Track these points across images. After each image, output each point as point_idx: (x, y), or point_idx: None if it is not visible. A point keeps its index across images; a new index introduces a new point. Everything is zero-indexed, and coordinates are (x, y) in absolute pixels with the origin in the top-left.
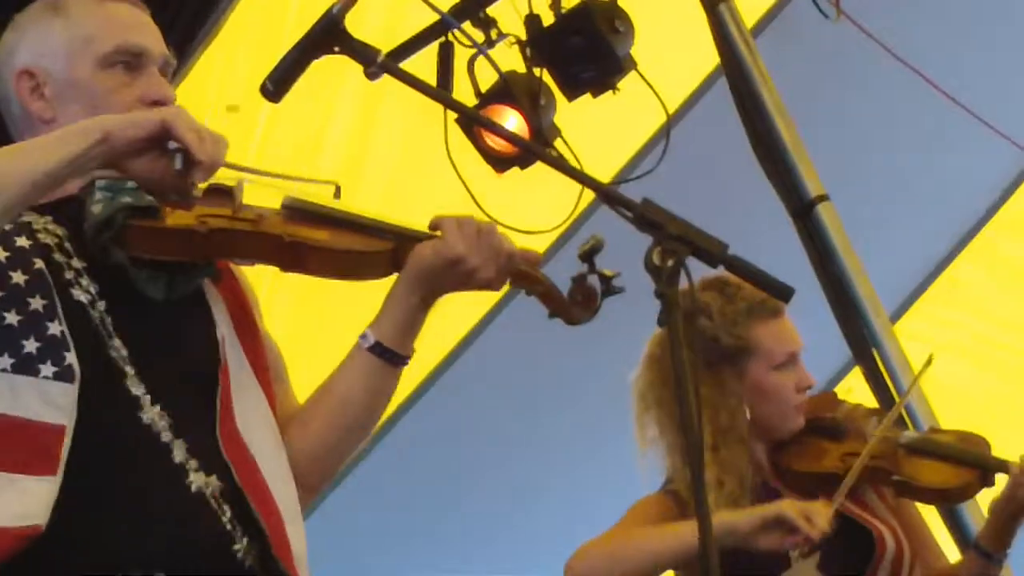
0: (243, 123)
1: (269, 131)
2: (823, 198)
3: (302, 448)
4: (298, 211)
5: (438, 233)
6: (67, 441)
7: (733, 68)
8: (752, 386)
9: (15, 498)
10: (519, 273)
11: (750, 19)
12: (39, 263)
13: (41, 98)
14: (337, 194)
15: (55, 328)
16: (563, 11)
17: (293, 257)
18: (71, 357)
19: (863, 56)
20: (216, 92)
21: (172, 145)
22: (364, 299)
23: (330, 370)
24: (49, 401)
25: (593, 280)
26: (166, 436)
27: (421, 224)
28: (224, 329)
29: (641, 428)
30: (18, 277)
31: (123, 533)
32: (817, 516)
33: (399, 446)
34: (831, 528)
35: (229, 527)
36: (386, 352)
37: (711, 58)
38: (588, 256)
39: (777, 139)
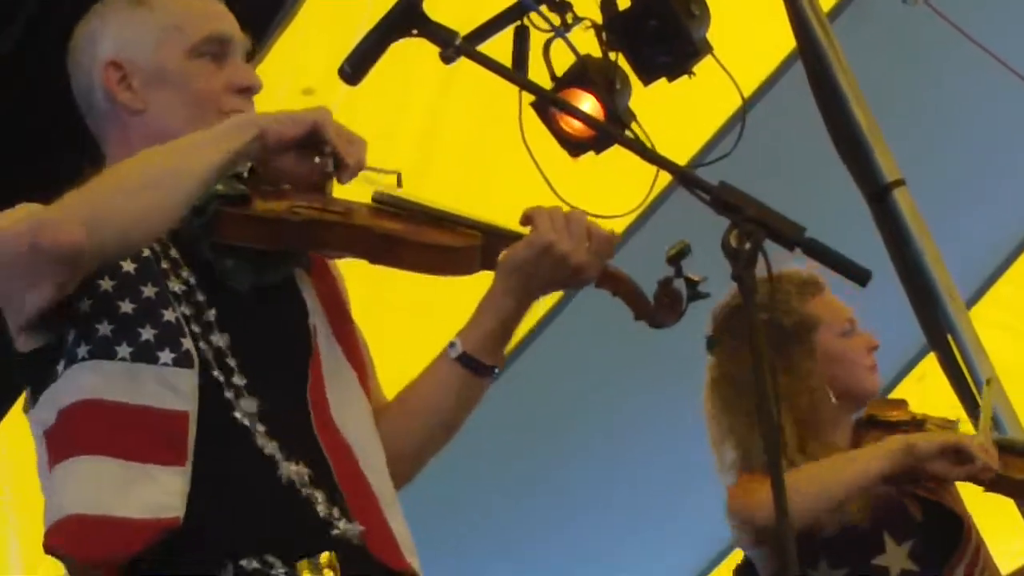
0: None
1: (344, 114)
2: (899, 183)
3: (386, 446)
4: (388, 205)
5: (527, 230)
6: (192, 428)
7: (809, 52)
8: (825, 356)
9: (152, 489)
10: (606, 274)
11: (827, 2)
12: (146, 251)
13: (129, 89)
14: (399, 182)
15: (170, 314)
16: None
17: (382, 250)
18: (188, 343)
19: (941, 40)
20: (292, 75)
21: (327, 149)
22: (431, 282)
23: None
24: (170, 387)
25: (679, 284)
26: (260, 427)
27: (512, 223)
28: (316, 319)
29: (720, 455)
30: (128, 266)
31: (230, 521)
32: (993, 451)
33: None
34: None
35: (325, 514)
36: (473, 363)
37: (787, 42)
38: (675, 260)
39: (853, 124)
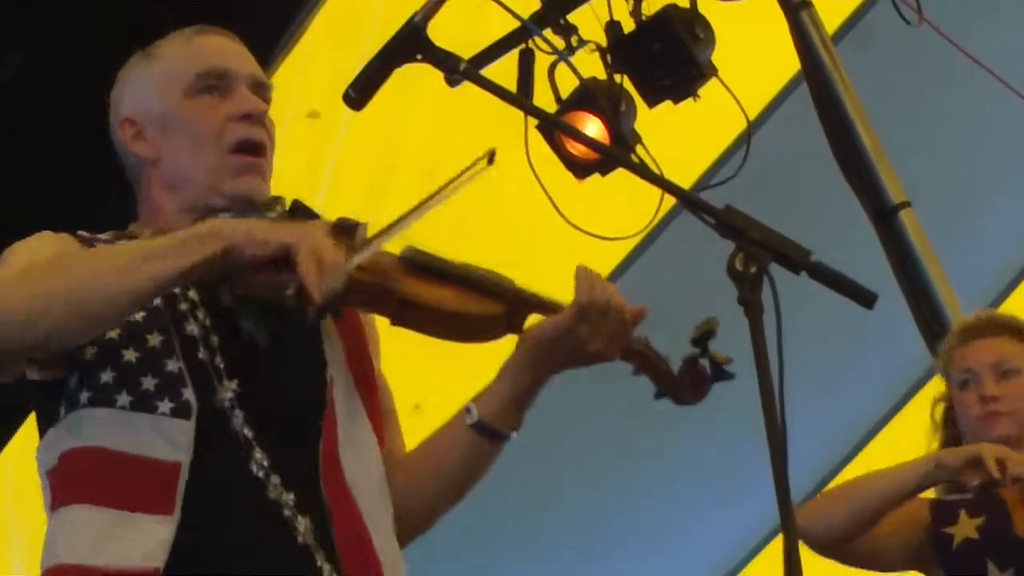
0: (324, 130)
1: (350, 138)
2: (905, 204)
3: (396, 502)
4: (415, 264)
5: (557, 298)
6: (183, 479)
7: (814, 74)
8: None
9: (138, 538)
10: (632, 350)
11: (831, 24)
12: (156, 300)
13: (143, 140)
14: (491, 159)
15: (173, 365)
16: (644, 18)
17: (401, 313)
18: (188, 393)
19: (945, 61)
20: (297, 99)
21: (287, 277)
22: None
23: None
24: (166, 438)
25: (704, 363)
26: (274, 479)
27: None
28: (335, 369)
29: None
30: (136, 315)
31: (220, 572)
32: (1012, 463)
33: None
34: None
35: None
36: (489, 430)
37: (792, 64)
38: (701, 340)
39: (858, 145)
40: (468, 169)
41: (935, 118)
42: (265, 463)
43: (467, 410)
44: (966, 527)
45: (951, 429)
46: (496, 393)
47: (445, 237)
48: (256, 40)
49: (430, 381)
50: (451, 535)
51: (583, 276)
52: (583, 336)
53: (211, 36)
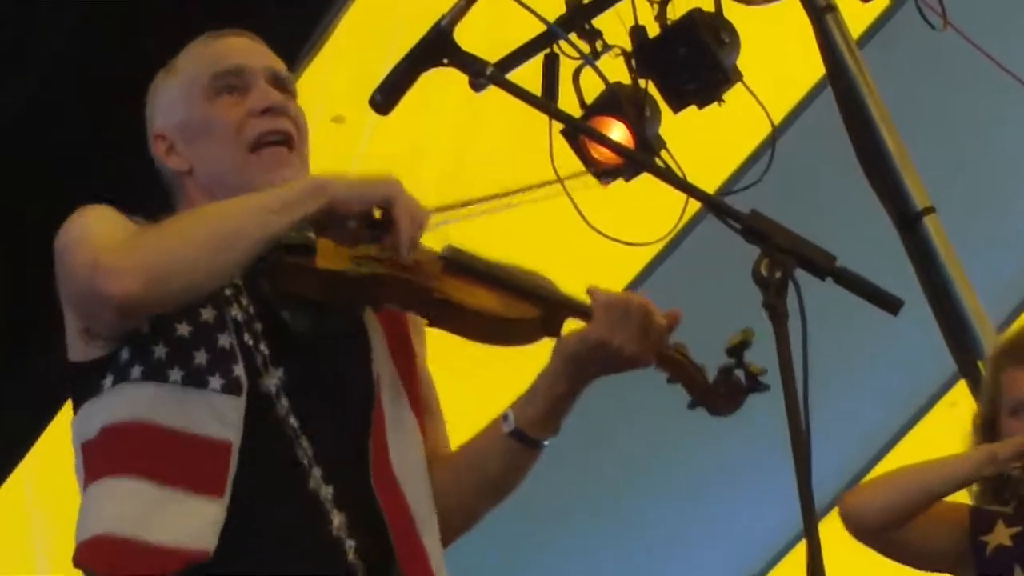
0: (348, 134)
1: (374, 142)
2: (930, 210)
3: (437, 499)
4: (455, 264)
5: (591, 303)
6: (234, 460)
7: (839, 79)
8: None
9: (185, 518)
10: (666, 357)
11: (856, 29)
12: None
13: (175, 154)
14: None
15: (224, 340)
16: (668, 22)
17: (439, 314)
18: (239, 370)
19: (970, 66)
20: (322, 103)
21: (383, 220)
22: None
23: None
24: (217, 414)
25: (739, 374)
26: (316, 472)
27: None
28: (381, 364)
29: None
30: None
31: (265, 564)
32: None
33: None
34: None
35: (363, 570)
36: (527, 438)
37: (817, 69)
38: (737, 350)
39: (883, 150)
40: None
41: (960, 123)
42: (309, 453)
43: (504, 417)
44: (1001, 535)
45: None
46: (532, 403)
47: (469, 242)
48: (281, 44)
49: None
50: (478, 527)
51: (592, 288)
52: (616, 343)
53: (227, 38)
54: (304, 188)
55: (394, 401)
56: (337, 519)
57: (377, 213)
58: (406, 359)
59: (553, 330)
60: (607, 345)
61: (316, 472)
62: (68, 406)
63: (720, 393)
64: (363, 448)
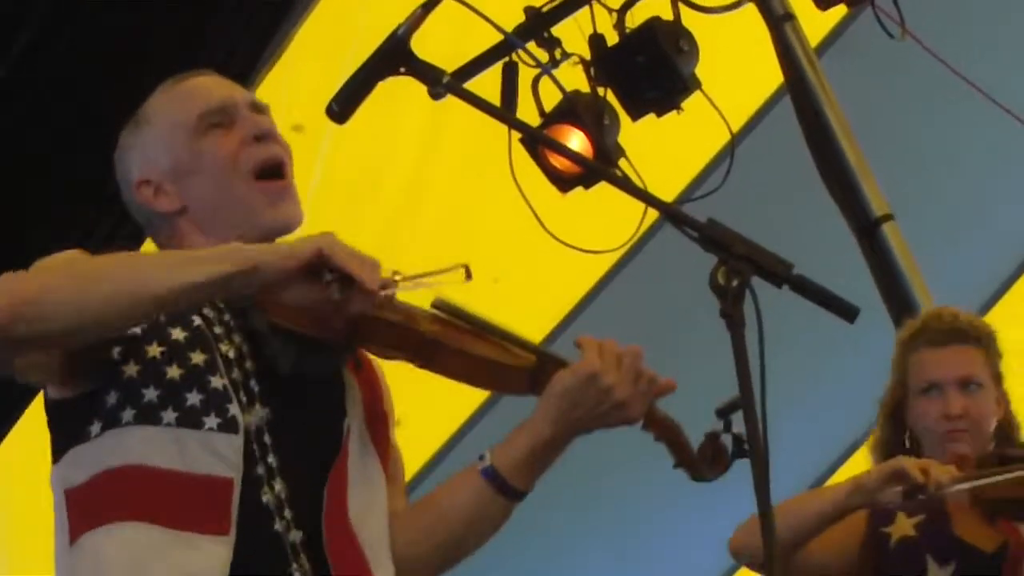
0: (308, 143)
1: (333, 152)
2: (888, 217)
3: (396, 552)
4: (447, 313)
5: (582, 347)
6: (236, 496)
7: (798, 87)
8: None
9: (194, 558)
10: (652, 417)
11: (814, 37)
12: (197, 319)
13: (164, 195)
14: (468, 275)
15: (217, 381)
16: (627, 31)
17: (431, 355)
18: (234, 408)
19: (928, 75)
20: (281, 112)
21: (327, 276)
22: None
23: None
24: (215, 453)
25: (726, 439)
26: (287, 512)
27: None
28: (353, 419)
29: None
30: (178, 334)
31: None
32: (934, 470)
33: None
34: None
35: None
36: (499, 480)
37: (775, 77)
38: (725, 414)
39: (841, 158)
40: (441, 272)
41: (918, 130)
42: (283, 495)
43: (481, 456)
44: (903, 526)
45: (901, 425)
46: (512, 445)
47: (429, 250)
48: (240, 52)
49: (413, 397)
50: None
51: (582, 338)
52: (607, 380)
53: (194, 79)
54: (229, 249)
55: (362, 456)
56: (303, 564)
57: (327, 276)
58: (378, 422)
59: (539, 384)
60: (598, 379)
61: (287, 514)
62: (30, 411)
63: (706, 457)
64: (321, 496)
